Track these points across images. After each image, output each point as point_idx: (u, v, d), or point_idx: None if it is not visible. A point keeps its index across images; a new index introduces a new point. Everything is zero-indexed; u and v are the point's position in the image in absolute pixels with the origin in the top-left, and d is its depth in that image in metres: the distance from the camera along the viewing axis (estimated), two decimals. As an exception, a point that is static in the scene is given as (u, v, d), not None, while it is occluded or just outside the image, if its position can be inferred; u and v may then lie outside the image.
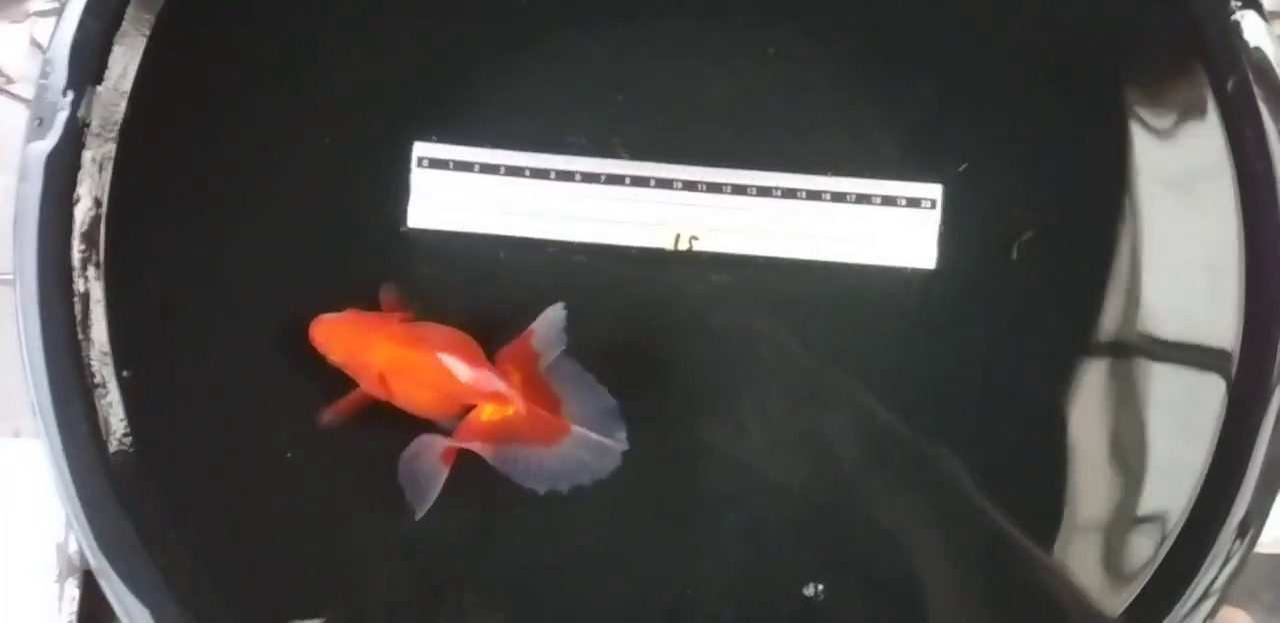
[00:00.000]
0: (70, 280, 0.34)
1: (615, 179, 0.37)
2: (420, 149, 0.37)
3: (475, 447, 0.33)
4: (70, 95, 0.34)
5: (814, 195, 0.38)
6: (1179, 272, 0.38)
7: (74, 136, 0.34)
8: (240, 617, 0.35)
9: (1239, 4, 0.37)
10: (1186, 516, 0.37)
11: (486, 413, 0.34)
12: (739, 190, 0.37)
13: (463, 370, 0.34)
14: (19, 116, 0.36)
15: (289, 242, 0.37)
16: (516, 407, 0.33)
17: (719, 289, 0.37)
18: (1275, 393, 0.36)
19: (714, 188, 0.37)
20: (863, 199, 0.38)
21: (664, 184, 0.37)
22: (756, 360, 0.37)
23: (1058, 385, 0.38)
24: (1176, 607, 0.36)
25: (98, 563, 0.34)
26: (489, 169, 0.37)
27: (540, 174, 0.37)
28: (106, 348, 0.35)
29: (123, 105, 0.35)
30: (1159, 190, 0.38)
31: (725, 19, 0.38)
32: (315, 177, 0.37)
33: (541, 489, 0.34)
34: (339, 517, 0.36)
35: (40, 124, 0.34)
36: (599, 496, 0.34)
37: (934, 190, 0.38)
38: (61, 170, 0.34)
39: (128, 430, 0.35)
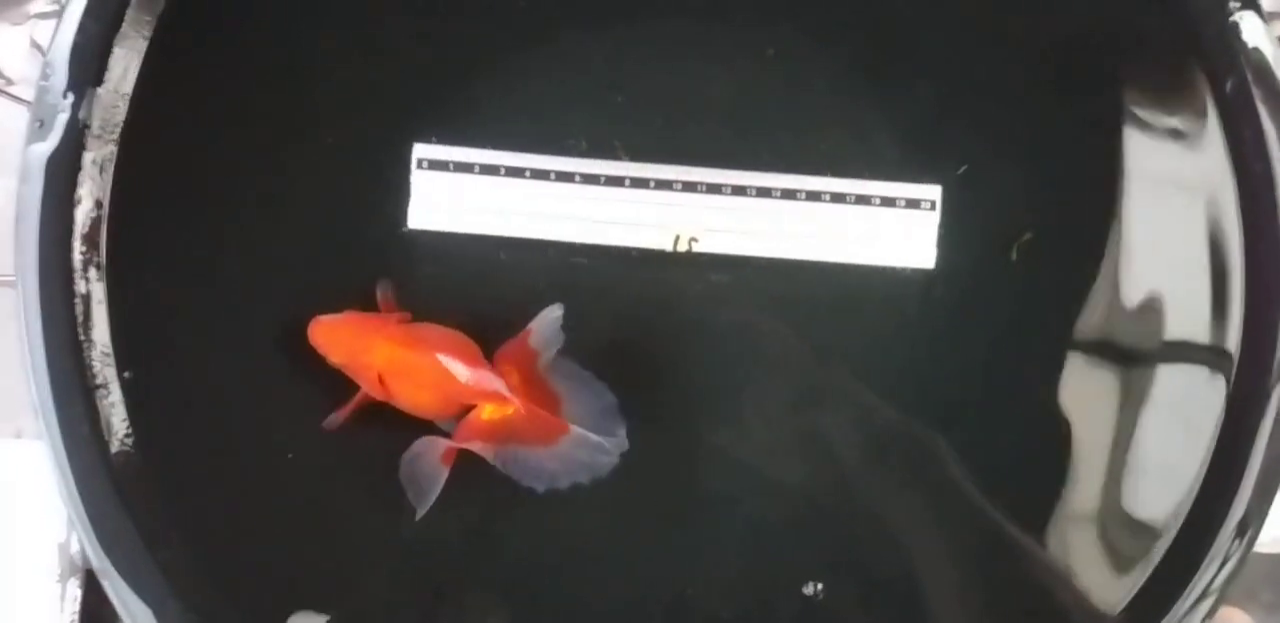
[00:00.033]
0: (71, 282, 0.35)
1: (615, 180, 0.37)
2: (420, 150, 0.37)
3: (475, 447, 0.34)
4: (70, 97, 0.34)
5: (813, 196, 0.38)
6: (1178, 272, 0.38)
7: (74, 138, 0.35)
8: (241, 616, 0.35)
9: (1238, 5, 0.37)
10: (1185, 515, 0.37)
11: (486, 413, 0.34)
12: (738, 191, 0.37)
13: (461, 370, 0.34)
14: (19, 118, 0.35)
15: (290, 243, 0.37)
16: (515, 406, 0.33)
17: (719, 290, 0.38)
18: (1274, 393, 0.37)
19: (713, 189, 0.37)
20: (862, 200, 0.38)
21: (664, 185, 0.37)
22: (756, 361, 0.37)
23: (1057, 386, 0.38)
24: (1175, 606, 0.36)
25: (99, 563, 0.34)
26: (489, 170, 0.37)
27: (540, 175, 0.37)
28: (108, 349, 0.35)
29: (123, 107, 0.35)
30: (1158, 191, 0.38)
31: (725, 19, 0.38)
32: (316, 178, 0.37)
33: (541, 488, 0.34)
34: (339, 517, 0.36)
35: (41, 126, 0.34)
36: (599, 495, 0.34)
37: (933, 191, 0.38)
38: (62, 172, 0.34)
39: (129, 431, 0.35)
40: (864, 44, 0.38)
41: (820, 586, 0.36)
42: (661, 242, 0.37)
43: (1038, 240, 0.38)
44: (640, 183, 0.37)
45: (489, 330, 0.35)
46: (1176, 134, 0.38)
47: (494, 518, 0.36)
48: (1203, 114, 0.38)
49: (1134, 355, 0.38)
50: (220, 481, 0.36)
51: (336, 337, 0.35)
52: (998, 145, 0.38)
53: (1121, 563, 0.37)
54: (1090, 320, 0.38)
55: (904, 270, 0.38)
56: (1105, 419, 0.37)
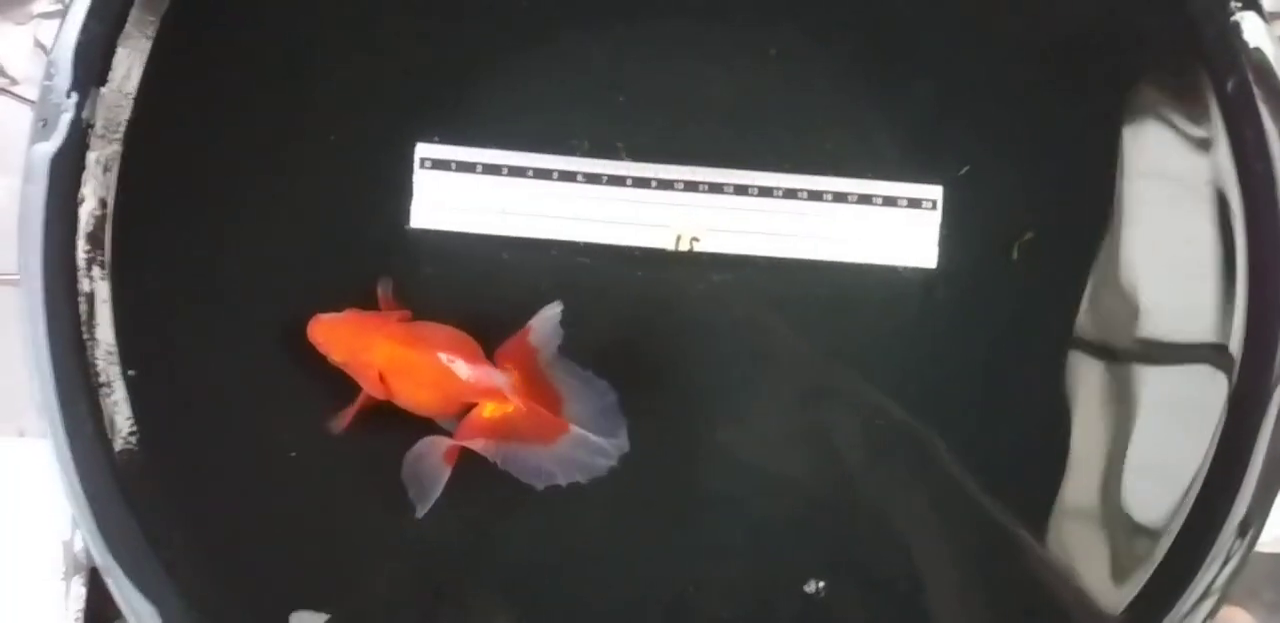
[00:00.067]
0: (75, 281, 0.35)
1: (617, 180, 0.37)
2: (423, 150, 0.37)
3: (476, 445, 0.34)
4: (74, 97, 0.35)
5: (815, 196, 0.38)
6: (1179, 271, 0.38)
7: (78, 138, 0.35)
8: (244, 614, 0.35)
9: (1239, 5, 0.37)
10: (1187, 515, 0.37)
11: (487, 411, 0.34)
12: (740, 191, 0.38)
13: (463, 367, 0.34)
14: (23, 118, 0.36)
15: (293, 242, 0.37)
16: (516, 403, 0.33)
17: (720, 289, 0.38)
18: (1276, 392, 0.36)
19: (715, 188, 0.37)
20: (864, 199, 0.38)
21: (665, 185, 0.37)
22: (757, 360, 0.38)
23: (1058, 385, 0.38)
24: (1177, 606, 0.36)
25: (103, 561, 0.35)
26: (491, 170, 0.37)
27: (542, 175, 0.37)
28: (112, 347, 0.35)
29: (126, 107, 0.35)
30: (1159, 190, 0.38)
31: (726, 19, 0.38)
32: (319, 177, 0.37)
33: (539, 486, 0.34)
34: (342, 515, 0.36)
35: (44, 125, 0.34)
36: (600, 495, 0.34)
37: (935, 191, 0.38)
38: (66, 171, 0.35)
39: (133, 429, 0.35)
40: (865, 44, 0.38)
41: (821, 584, 0.36)
42: (663, 241, 0.38)
43: (1039, 240, 0.38)
44: (642, 182, 0.37)
45: (491, 330, 0.35)
46: (1177, 134, 0.38)
47: (495, 518, 0.36)
48: (1204, 114, 0.38)
49: (1135, 354, 0.38)
50: (223, 479, 0.36)
51: (337, 335, 0.35)
52: (999, 145, 0.38)
53: (1123, 563, 0.37)
54: (1091, 320, 0.38)
55: (905, 270, 0.38)
56: (1106, 418, 0.37)
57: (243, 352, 0.36)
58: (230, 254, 0.36)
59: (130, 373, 0.35)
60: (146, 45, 0.36)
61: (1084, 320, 0.38)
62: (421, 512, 0.34)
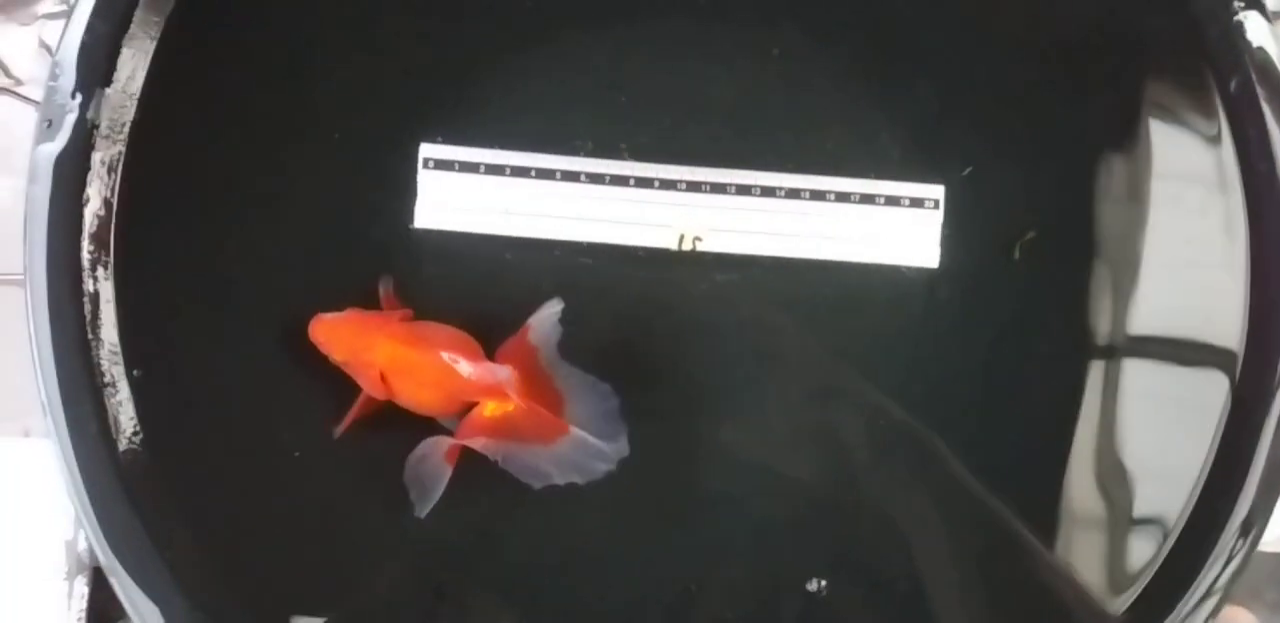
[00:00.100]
0: (80, 281, 0.35)
1: (620, 180, 0.37)
2: (426, 150, 0.37)
3: (477, 444, 0.34)
4: (79, 97, 0.35)
5: (817, 195, 0.38)
6: (1181, 271, 0.38)
7: (83, 138, 0.35)
8: (247, 613, 0.35)
9: (1242, 4, 0.37)
10: (1189, 515, 0.37)
11: (488, 410, 0.34)
12: (743, 191, 0.38)
13: (465, 365, 0.34)
14: (28, 119, 0.36)
15: (297, 243, 0.37)
16: (517, 401, 0.33)
17: (723, 289, 0.38)
18: (1278, 392, 0.36)
19: (718, 188, 0.37)
20: (866, 199, 0.38)
21: (668, 185, 0.37)
22: (760, 359, 0.38)
23: (1060, 384, 0.38)
24: (1179, 606, 0.36)
25: (106, 560, 0.35)
26: (494, 170, 0.37)
27: (545, 175, 0.37)
28: (116, 347, 0.35)
29: (131, 107, 0.35)
30: (1161, 190, 0.38)
31: (728, 19, 0.38)
32: (323, 178, 0.37)
33: (537, 485, 0.34)
34: (344, 515, 0.36)
35: (49, 126, 0.35)
36: (602, 495, 0.34)
37: (937, 191, 0.38)
38: (70, 172, 0.35)
39: (137, 429, 0.35)
40: (867, 44, 0.38)
41: (823, 583, 0.36)
42: (666, 241, 0.38)
43: (1040, 239, 0.38)
44: (645, 182, 0.37)
45: (493, 330, 0.35)
46: (1180, 133, 0.38)
47: (495, 518, 0.36)
48: (1207, 113, 0.38)
49: (1137, 354, 0.38)
50: (227, 479, 0.36)
51: (338, 335, 0.35)
52: (1001, 145, 0.38)
53: (1125, 562, 0.37)
54: (1092, 319, 0.38)
55: (907, 269, 0.38)
56: (1108, 417, 0.37)
57: (246, 352, 0.36)
58: (234, 254, 0.36)
59: (134, 373, 0.35)
60: (151, 46, 0.36)
61: (1085, 320, 0.38)
62: (423, 512, 0.34)
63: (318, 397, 0.36)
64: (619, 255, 0.37)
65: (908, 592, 0.37)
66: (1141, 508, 0.37)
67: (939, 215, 0.38)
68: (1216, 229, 0.38)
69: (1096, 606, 0.37)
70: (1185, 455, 0.37)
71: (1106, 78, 0.38)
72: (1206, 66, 0.38)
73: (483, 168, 0.37)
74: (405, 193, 0.37)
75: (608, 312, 0.37)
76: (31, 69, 0.49)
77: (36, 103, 0.39)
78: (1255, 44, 0.37)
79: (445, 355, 0.34)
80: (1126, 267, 0.38)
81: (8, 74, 0.49)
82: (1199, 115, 0.38)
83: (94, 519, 0.34)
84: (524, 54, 0.37)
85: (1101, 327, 0.38)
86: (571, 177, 0.37)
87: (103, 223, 0.35)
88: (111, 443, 0.35)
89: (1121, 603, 0.37)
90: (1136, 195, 0.38)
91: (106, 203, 0.35)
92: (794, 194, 0.38)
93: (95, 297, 0.35)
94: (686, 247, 0.38)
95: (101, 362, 0.35)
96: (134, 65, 0.35)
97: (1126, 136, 0.38)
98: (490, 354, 0.35)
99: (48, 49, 0.49)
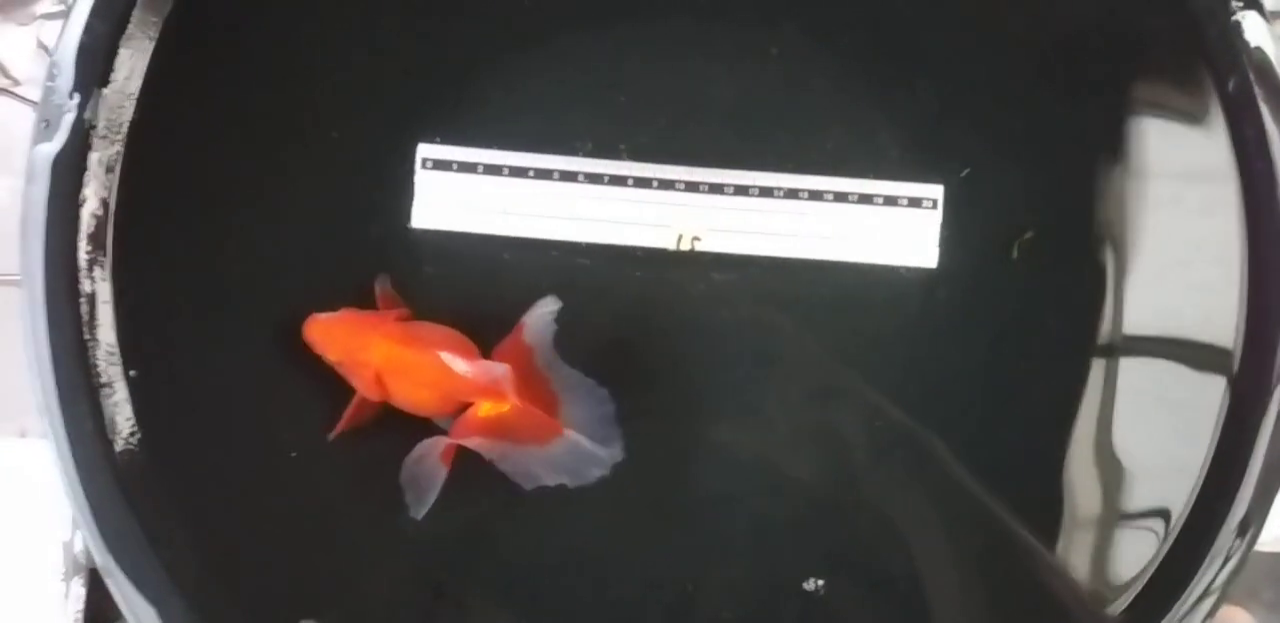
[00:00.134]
0: (77, 281, 0.35)
1: (618, 180, 0.37)
2: (424, 150, 0.37)
3: (472, 443, 0.34)
4: (76, 98, 0.35)
5: (816, 195, 0.38)
6: (1179, 271, 0.38)
7: (80, 139, 0.35)
8: (244, 614, 0.35)
9: (1240, 4, 0.37)
10: (1187, 514, 0.37)
11: (483, 410, 0.34)
12: (741, 191, 0.38)
13: (462, 364, 0.34)
14: (26, 119, 0.36)
15: (295, 243, 0.37)
16: (513, 399, 0.33)
17: (721, 289, 0.38)
18: (1276, 392, 0.36)
19: (716, 188, 0.37)
20: (864, 199, 0.38)
21: (666, 185, 0.37)
22: (758, 360, 0.38)
23: (1058, 384, 0.38)
24: (1176, 605, 0.36)
25: (103, 561, 0.35)
26: (492, 170, 0.37)
27: (543, 175, 0.37)
28: (113, 348, 0.35)
29: (129, 107, 0.35)
30: (1159, 190, 0.38)
31: (727, 19, 0.38)
32: (320, 178, 0.37)
33: (528, 486, 0.34)
34: (342, 516, 0.36)
35: (47, 126, 0.35)
36: (600, 495, 0.34)
37: (935, 190, 0.38)
38: (68, 172, 0.35)
39: (134, 429, 0.35)
40: (866, 43, 0.38)
41: (821, 582, 0.36)
42: (664, 241, 0.38)
43: (1039, 239, 0.38)
44: (643, 182, 0.37)
45: (491, 330, 0.35)
46: (1178, 133, 0.38)
47: (494, 518, 0.36)
48: (1205, 113, 0.38)
49: (1135, 354, 0.38)
50: (224, 479, 0.36)
51: (333, 335, 0.35)
52: (999, 144, 0.38)
53: (1123, 562, 0.37)
54: (1091, 319, 0.38)
55: (906, 269, 0.38)
56: (1106, 417, 0.37)
57: (244, 352, 0.36)
58: (232, 255, 0.36)
59: (131, 373, 0.35)
60: (149, 46, 0.36)
61: (1084, 320, 0.38)
62: (419, 513, 0.34)
63: (315, 397, 0.36)
64: (617, 255, 0.37)
65: (905, 592, 0.37)
66: (1139, 508, 0.37)
67: (937, 215, 0.38)
68: (1214, 229, 0.38)
69: (1094, 605, 0.37)
70: (1182, 455, 0.37)
71: (1104, 78, 0.38)
72: (1204, 66, 0.38)
73: (481, 168, 0.37)
74: (403, 193, 0.37)
75: (606, 311, 0.37)
76: (29, 69, 0.49)
77: (34, 103, 0.39)
78: (1253, 44, 0.37)
79: (442, 354, 0.34)
80: (1124, 267, 0.38)
81: (5, 74, 0.49)
82: (1196, 115, 0.38)
83: (91, 520, 0.34)
84: (522, 54, 0.37)
85: (1099, 327, 0.38)
86: (570, 177, 0.37)
87: (100, 223, 0.35)
88: (108, 444, 0.35)
89: (1119, 603, 0.37)
90: (1134, 195, 0.38)
91: (104, 203, 0.35)
92: (792, 194, 0.38)
93: (92, 297, 0.35)
94: (685, 247, 0.38)
95: (98, 362, 0.35)
96: (132, 65, 0.35)
97: (1124, 136, 0.38)
98: (486, 355, 0.35)
99: (45, 49, 0.49)
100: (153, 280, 0.36)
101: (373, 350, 0.34)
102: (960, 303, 0.38)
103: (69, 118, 0.35)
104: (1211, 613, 0.36)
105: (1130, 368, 0.38)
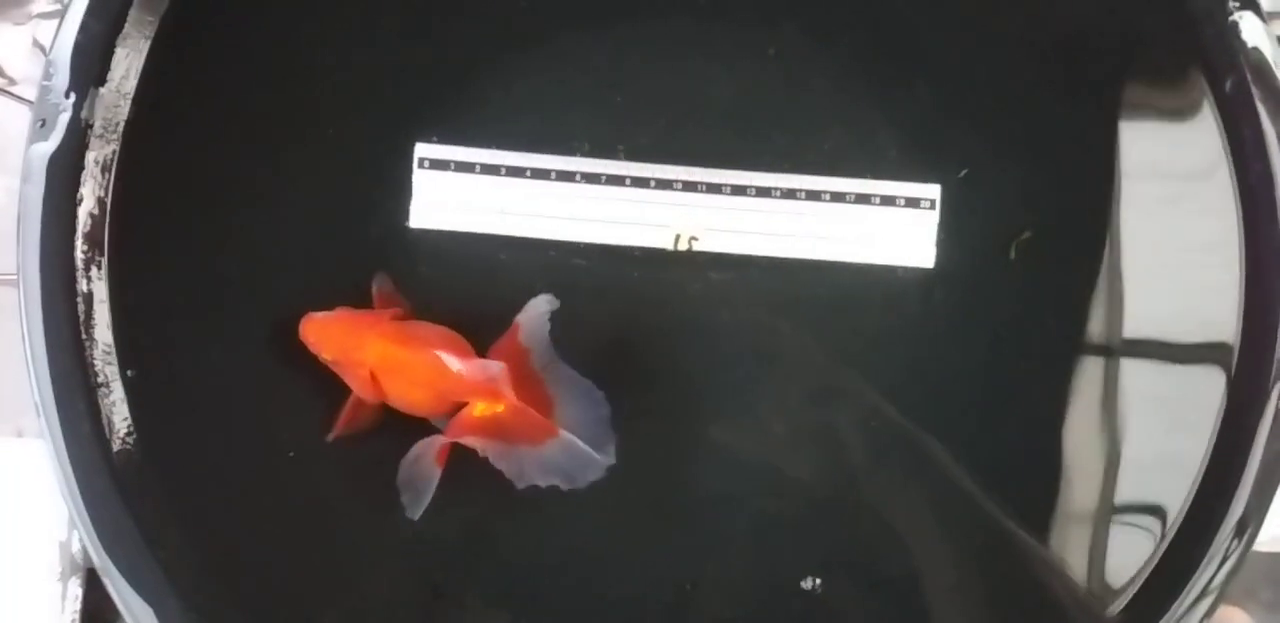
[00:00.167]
0: (73, 280, 0.35)
1: (615, 180, 0.37)
2: (422, 150, 0.37)
3: (467, 442, 0.33)
4: (73, 97, 0.35)
5: (813, 195, 0.38)
6: (1177, 271, 0.38)
7: (76, 138, 0.35)
8: (242, 614, 0.35)
9: (1237, 4, 0.37)
10: (1184, 514, 0.37)
11: (478, 410, 0.34)
12: (738, 191, 0.38)
13: (455, 362, 0.33)
14: (22, 118, 0.36)
15: (292, 242, 0.37)
16: (508, 398, 0.33)
17: (719, 289, 0.38)
18: (1273, 392, 0.37)
19: (714, 188, 0.37)
20: (862, 199, 0.38)
21: (664, 185, 0.37)
22: (756, 359, 0.38)
23: (1056, 384, 0.38)
24: (1174, 605, 0.36)
25: (100, 561, 0.34)
26: (490, 170, 0.37)
27: (541, 175, 0.37)
28: (110, 347, 0.35)
29: (125, 106, 0.35)
30: (1157, 190, 0.38)
31: (726, 19, 0.38)
32: (317, 177, 0.37)
33: (520, 486, 0.33)
34: (340, 515, 0.36)
35: (43, 125, 0.34)
36: (598, 494, 0.34)
37: (933, 190, 0.38)
38: (64, 171, 0.35)
39: (130, 429, 0.35)
40: (864, 44, 0.38)
41: (818, 580, 0.36)
42: (662, 241, 0.38)
43: (1037, 239, 0.38)
44: (641, 182, 0.37)
45: (488, 330, 0.35)
46: (1175, 133, 0.38)
47: (494, 518, 0.36)
48: (1202, 113, 0.38)
49: (1132, 354, 0.38)
50: (221, 479, 0.36)
51: (328, 334, 0.35)
52: (997, 144, 0.38)
53: (1121, 562, 0.37)
54: (1089, 319, 0.38)
55: (903, 269, 0.38)
56: (1104, 417, 0.38)
57: (241, 352, 0.36)
58: (229, 254, 0.36)
59: (128, 373, 0.35)
60: (145, 45, 0.36)
61: (1081, 320, 0.38)
62: (415, 514, 0.34)
63: (312, 397, 0.36)
64: (615, 255, 0.37)
65: (904, 591, 0.37)
66: (1137, 507, 0.37)
67: (935, 215, 0.38)
68: (1211, 228, 0.38)
69: (1092, 605, 0.37)
70: (1181, 455, 0.37)
71: (1102, 78, 0.38)
72: (1202, 66, 0.38)
73: (478, 167, 0.37)
74: (400, 192, 0.37)
75: (603, 311, 0.37)
76: (25, 68, 0.49)
77: (30, 102, 0.38)
78: (1250, 44, 0.37)
79: (438, 353, 0.34)
80: (1122, 266, 0.38)
81: (1, 74, 0.49)
82: (1194, 115, 0.38)
83: (88, 520, 0.34)
84: (520, 53, 0.37)
85: (1097, 327, 0.38)
86: (567, 176, 0.37)
87: (96, 222, 0.35)
88: (105, 443, 0.35)
89: (1117, 603, 0.37)
90: (1132, 195, 0.38)
91: (100, 202, 0.35)
92: (790, 194, 0.38)
93: (89, 296, 0.35)
94: (682, 247, 0.38)
95: (95, 362, 0.35)
96: (128, 64, 0.35)
97: (1122, 137, 0.38)
98: (482, 355, 0.35)
99: (41, 48, 0.49)
100: (149, 280, 0.36)
101: (368, 350, 0.34)
102: (958, 303, 0.38)
103: (65, 117, 0.34)
104: (1209, 613, 0.36)
105: (1128, 368, 0.38)
